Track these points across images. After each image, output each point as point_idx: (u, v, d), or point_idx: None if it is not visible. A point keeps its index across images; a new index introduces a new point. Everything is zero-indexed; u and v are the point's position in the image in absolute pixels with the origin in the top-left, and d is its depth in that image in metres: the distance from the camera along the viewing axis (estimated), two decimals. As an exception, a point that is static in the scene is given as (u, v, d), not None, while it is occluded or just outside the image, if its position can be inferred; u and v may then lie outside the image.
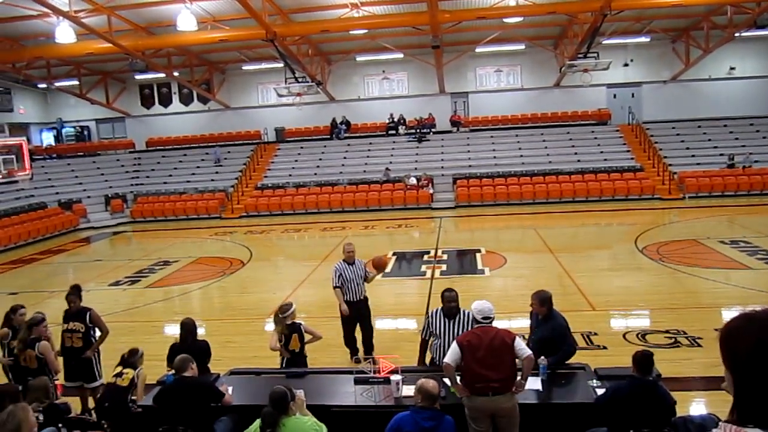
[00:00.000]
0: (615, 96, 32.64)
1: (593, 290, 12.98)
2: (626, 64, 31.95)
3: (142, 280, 17.14)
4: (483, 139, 31.58)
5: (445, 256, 17.55)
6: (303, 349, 7.72)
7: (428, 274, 15.45)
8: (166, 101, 36.31)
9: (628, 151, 29.70)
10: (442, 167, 29.84)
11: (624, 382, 5.79)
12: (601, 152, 29.67)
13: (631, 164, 28.51)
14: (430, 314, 7.16)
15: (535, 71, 32.73)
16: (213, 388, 6.23)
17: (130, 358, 7.18)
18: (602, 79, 30.95)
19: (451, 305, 7.07)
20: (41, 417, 5.99)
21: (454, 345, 5.98)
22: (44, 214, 27.78)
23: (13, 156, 22.12)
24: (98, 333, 8.47)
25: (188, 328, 7.37)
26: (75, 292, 8.42)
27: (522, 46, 31.28)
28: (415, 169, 29.64)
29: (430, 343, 7.29)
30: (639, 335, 10.16)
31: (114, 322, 13.50)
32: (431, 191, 28.12)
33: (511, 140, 31.32)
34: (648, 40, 30.44)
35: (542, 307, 7.08)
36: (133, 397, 6.87)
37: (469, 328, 6.87)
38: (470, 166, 29.67)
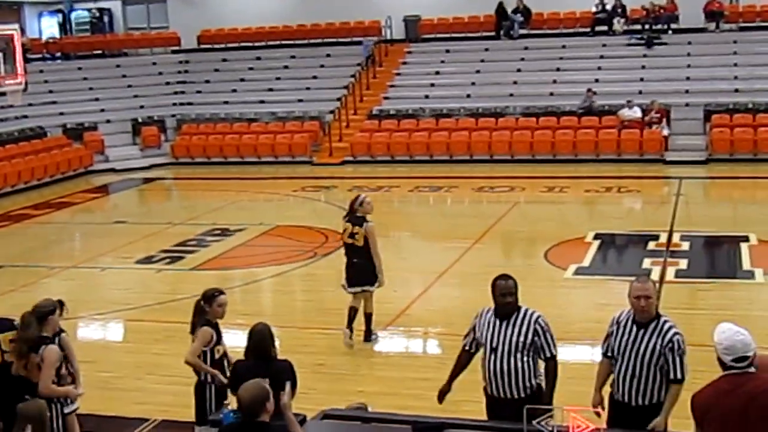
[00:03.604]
0: None
1: None
2: None
3: (186, 258, 17.92)
4: (763, 45, 30.41)
5: (685, 245, 17.20)
6: None
7: (654, 274, 15.06)
8: (231, -30, 37.37)
9: None
10: (687, 91, 28.94)
11: None
12: None
13: None
14: (479, 312, 7.94)
15: None
16: None
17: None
18: None
19: (502, 300, 7.72)
20: None
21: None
22: (42, 145, 29.62)
23: (0, 54, 23.51)
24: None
25: (261, 339, 7.63)
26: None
27: None
28: (639, 93, 28.92)
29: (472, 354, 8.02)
30: None
31: (142, 322, 14.32)
32: (666, 132, 27.38)
33: (813, 47, 29.89)
34: None
35: None
36: None
37: (524, 337, 7.56)
38: (737, 90, 28.66)
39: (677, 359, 7.24)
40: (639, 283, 7.46)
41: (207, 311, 8.61)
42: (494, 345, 7.62)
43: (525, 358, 7.52)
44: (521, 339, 7.51)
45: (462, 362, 8.05)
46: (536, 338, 7.53)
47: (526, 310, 7.67)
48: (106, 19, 39.04)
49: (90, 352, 12.76)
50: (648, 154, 27.00)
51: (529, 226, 20.33)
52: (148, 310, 14.48)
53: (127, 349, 13.04)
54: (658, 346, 7.23)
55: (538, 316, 7.62)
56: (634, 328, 7.36)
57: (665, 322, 7.32)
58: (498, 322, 7.66)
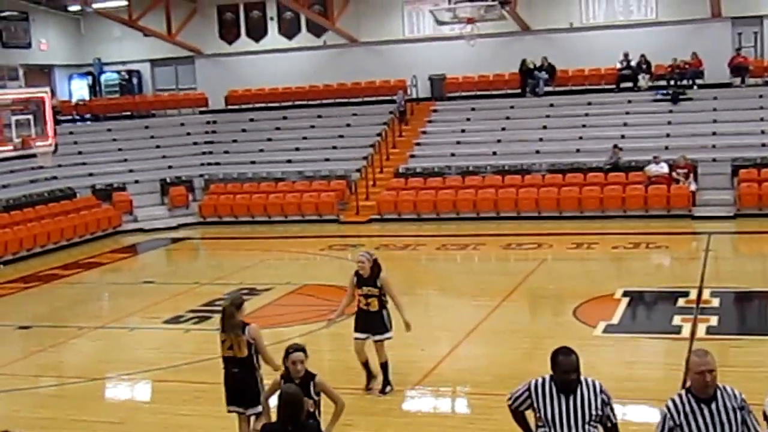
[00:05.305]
0: None
1: None
2: None
3: (214, 317, 17.72)
4: (789, 99, 30.27)
5: (715, 302, 17.02)
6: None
7: (685, 331, 15.05)
8: (258, 32, 37.81)
9: None
10: (714, 146, 28.93)
11: None
12: None
13: None
14: (531, 385, 7.32)
15: None
16: None
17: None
18: None
19: (566, 377, 7.18)
20: None
21: None
22: (71, 206, 29.85)
23: (30, 116, 23.70)
24: None
25: (291, 401, 7.59)
26: None
27: None
28: (666, 148, 28.87)
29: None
30: None
31: (170, 382, 14.24)
32: (693, 187, 27.29)
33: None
34: None
35: None
36: None
37: (595, 410, 7.07)
38: (764, 145, 28.59)
39: (754, 419, 6.82)
40: (698, 357, 6.82)
41: (287, 367, 8.77)
42: (560, 421, 7.20)
43: (592, 430, 7.22)
44: (591, 412, 7.14)
45: (525, 419, 7.60)
46: (604, 408, 7.21)
47: (586, 380, 7.29)
48: (135, 80, 39.64)
49: (117, 413, 12.78)
50: (675, 210, 26.88)
51: (557, 283, 20.22)
52: (175, 370, 14.47)
53: (155, 410, 12.99)
54: (738, 413, 6.70)
55: (600, 385, 7.27)
56: (704, 408, 6.74)
57: (725, 386, 6.79)
58: (563, 397, 7.22)
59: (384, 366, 12.73)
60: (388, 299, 12.71)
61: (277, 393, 8.51)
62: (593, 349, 14.40)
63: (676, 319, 15.89)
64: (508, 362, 14.07)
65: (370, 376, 12.79)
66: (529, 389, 7.30)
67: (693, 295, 17.51)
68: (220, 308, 10.26)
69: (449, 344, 15.13)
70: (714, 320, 15.78)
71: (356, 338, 12.73)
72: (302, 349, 8.69)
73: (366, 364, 12.76)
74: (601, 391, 7.18)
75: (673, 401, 6.82)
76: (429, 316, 17.88)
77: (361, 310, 12.73)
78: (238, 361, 9.91)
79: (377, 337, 12.60)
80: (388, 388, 12.68)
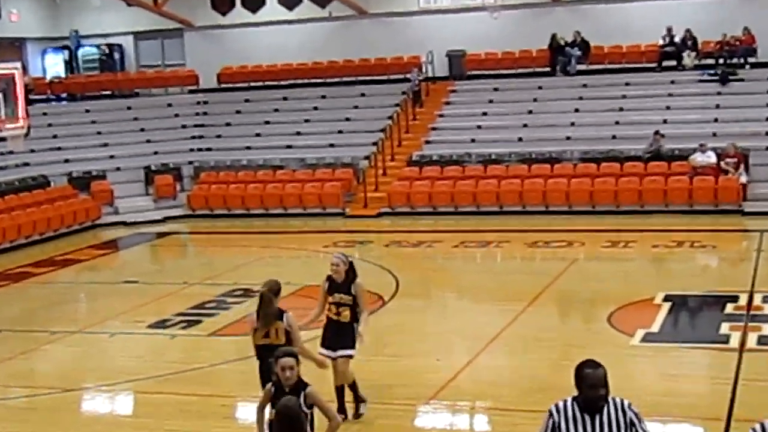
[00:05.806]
0: None
1: None
2: None
3: (204, 321, 17.92)
4: None
5: (768, 308, 17.06)
6: None
7: (734, 341, 15.00)
8: (255, 1, 37.80)
9: None
10: (767, 133, 28.97)
11: None
12: None
13: None
14: (553, 410, 7.13)
15: None
16: None
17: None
18: None
19: (594, 393, 7.00)
20: None
21: None
22: (45, 196, 29.87)
23: (0, 94, 23.81)
24: None
25: (290, 416, 7.59)
26: None
27: None
28: (714, 135, 28.83)
29: None
30: None
31: (154, 394, 14.20)
32: (744, 179, 27.22)
33: None
34: None
35: None
36: None
37: (629, 428, 6.93)
38: (825, 132, 28.56)
39: None
40: None
41: (276, 373, 8.66)
42: None
43: None
44: None
45: None
46: (634, 428, 7.08)
47: (614, 399, 7.15)
48: (116, 56, 39.64)
49: (94, 427, 12.84)
50: (724, 205, 26.80)
51: (589, 285, 20.24)
52: (161, 380, 14.47)
53: (137, 425, 13.02)
54: None
55: (629, 403, 7.14)
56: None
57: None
58: (589, 419, 7.10)
59: (353, 386, 12.22)
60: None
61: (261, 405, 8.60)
62: (630, 360, 14.40)
63: (724, 327, 15.82)
64: (534, 374, 14.03)
65: (359, 399, 12.19)
66: (551, 414, 7.15)
67: (743, 300, 17.47)
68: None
69: (468, 354, 15.12)
70: (766, 329, 15.73)
71: (323, 354, 11.94)
72: (293, 355, 8.54)
73: (346, 389, 12.14)
74: (630, 409, 7.06)
75: (759, 427, 6.52)
76: (445, 322, 17.87)
77: (330, 320, 12.23)
78: (276, 349, 9.79)
79: (343, 353, 11.99)
80: (362, 408, 12.24)
